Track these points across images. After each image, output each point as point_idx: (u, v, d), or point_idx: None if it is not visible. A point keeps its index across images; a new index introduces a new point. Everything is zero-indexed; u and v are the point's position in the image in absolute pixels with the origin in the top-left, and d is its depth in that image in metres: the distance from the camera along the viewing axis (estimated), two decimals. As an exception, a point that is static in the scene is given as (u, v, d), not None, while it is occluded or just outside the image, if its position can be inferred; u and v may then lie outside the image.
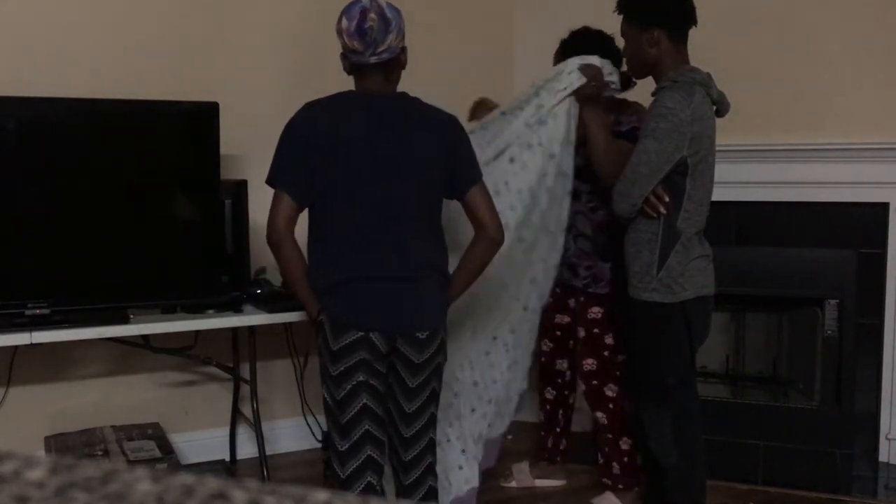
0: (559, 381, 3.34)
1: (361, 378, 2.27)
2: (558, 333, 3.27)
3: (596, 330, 3.11)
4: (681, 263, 2.58)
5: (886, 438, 3.55)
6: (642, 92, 2.86)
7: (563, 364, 3.31)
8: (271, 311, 3.16)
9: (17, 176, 2.85)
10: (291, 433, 3.75)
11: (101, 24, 3.27)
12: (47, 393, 3.28)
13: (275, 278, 3.28)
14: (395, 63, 2.31)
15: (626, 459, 3.10)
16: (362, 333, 2.24)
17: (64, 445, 3.01)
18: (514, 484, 3.36)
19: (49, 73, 3.13)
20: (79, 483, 0.39)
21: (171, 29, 3.40)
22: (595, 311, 3.10)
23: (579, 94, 2.77)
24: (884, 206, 3.50)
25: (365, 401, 2.29)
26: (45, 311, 2.82)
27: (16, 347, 2.92)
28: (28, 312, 2.81)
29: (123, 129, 3.03)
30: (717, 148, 2.70)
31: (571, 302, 3.20)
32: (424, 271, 2.30)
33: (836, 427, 3.53)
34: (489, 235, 2.35)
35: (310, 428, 3.77)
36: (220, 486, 0.39)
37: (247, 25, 3.58)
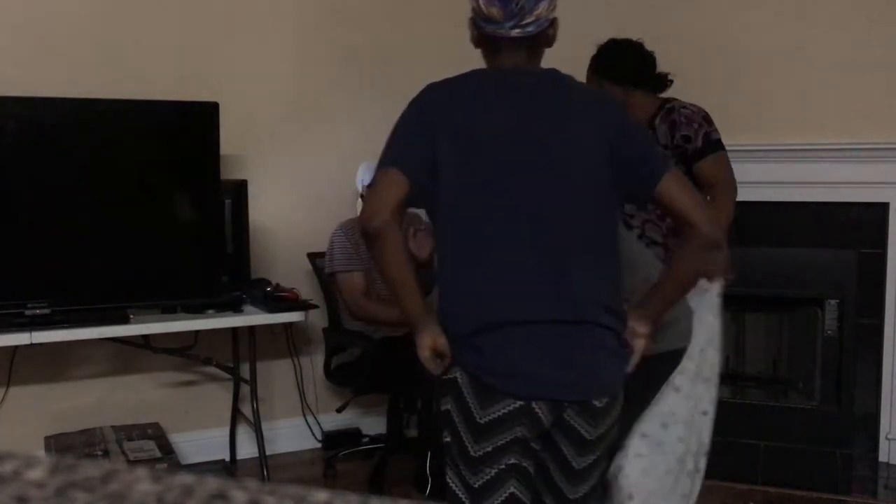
0: None
1: (513, 461, 1.68)
2: None
3: None
4: None
5: (886, 438, 3.55)
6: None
7: None
8: (271, 311, 3.16)
9: (16, 176, 2.85)
10: (291, 433, 3.75)
11: (101, 25, 3.27)
12: (47, 393, 3.28)
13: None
14: (542, 39, 1.78)
15: None
16: (522, 403, 1.64)
17: (64, 445, 3.01)
18: None
19: (49, 73, 3.13)
20: (79, 483, 0.39)
21: (171, 29, 3.40)
22: None
23: None
24: (884, 206, 3.50)
25: (513, 490, 1.69)
26: (45, 311, 2.82)
27: (16, 347, 2.92)
28: (28, 312, 2.81)
29: (123, 128, 3.03)
30: None
31: None
32: (596, 313, 1.69)
33: (836, 427, 3.53)
34: (701, 233, 1.72)
35: (310, 428, 3.77)
36: (220, 486, 0.39)
37: (247, 25, 3.58)
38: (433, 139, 1.69)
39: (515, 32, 1.74)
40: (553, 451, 1.74)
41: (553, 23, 1.78)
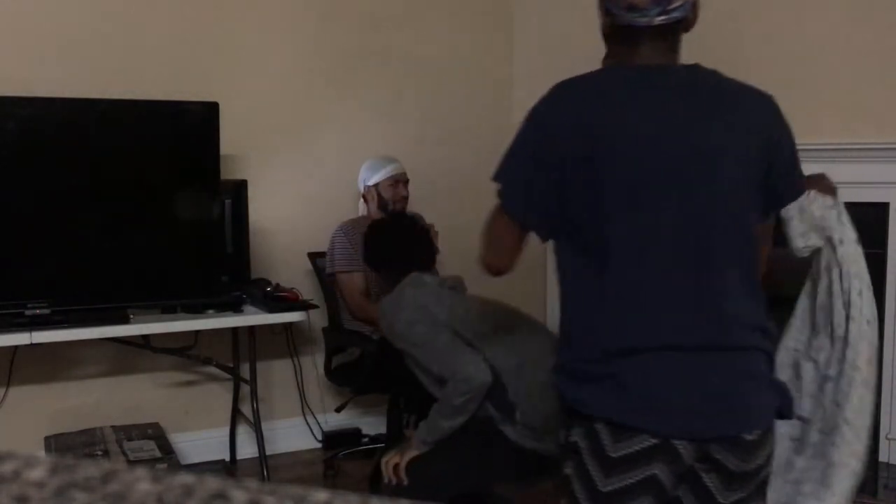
0: None
1: None
2: None
3: None
4: None
5: (886, 438, 3.55)
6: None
7: None
8: (271, 311, 3.16)
9: (17, 176, 2.85)
10: (291, 433, 3.75)
11: (101, 25, 3.28)
12: (47, 393, 3.28)
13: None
14: (684, 24, 1.56)
15: None
16: (659, 440, 1.45)
17: (64, 445, 3.01)
18: None
19: (49, 73, 3.13)
20: (79, 483, 0.39)
21: (171, 29, 3.41)
22: None
23: None
24: (884, 206, 3.50)
25: None
26: (45, 311, 2.83)
27: (16, 347, 2.93)
28: (28, 312, 2.81)
29: (124, 129, 3.03)
30: None
31: None
32: (747, 336, 1.53)
33: (836, 427, 3.52)
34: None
35: (310, 428, 3.77)
36: (220, 486, 0.39)
37: (247, 25, 3.58)
38: (557, 151, 1.49)
39: (660, 20, 1.51)
40: (694, 484, 1.53)
41: (695, 4, 1.57)
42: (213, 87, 3.30)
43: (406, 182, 3.47)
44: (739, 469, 1.50)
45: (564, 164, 1.49)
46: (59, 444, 3.03)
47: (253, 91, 3.57)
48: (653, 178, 1.50)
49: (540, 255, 4.04)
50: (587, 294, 1.53)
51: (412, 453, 2.39)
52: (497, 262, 1.60)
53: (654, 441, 1.45)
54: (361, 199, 3.51)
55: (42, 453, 2.74)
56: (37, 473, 0.40)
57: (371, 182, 3.43)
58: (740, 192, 1.54)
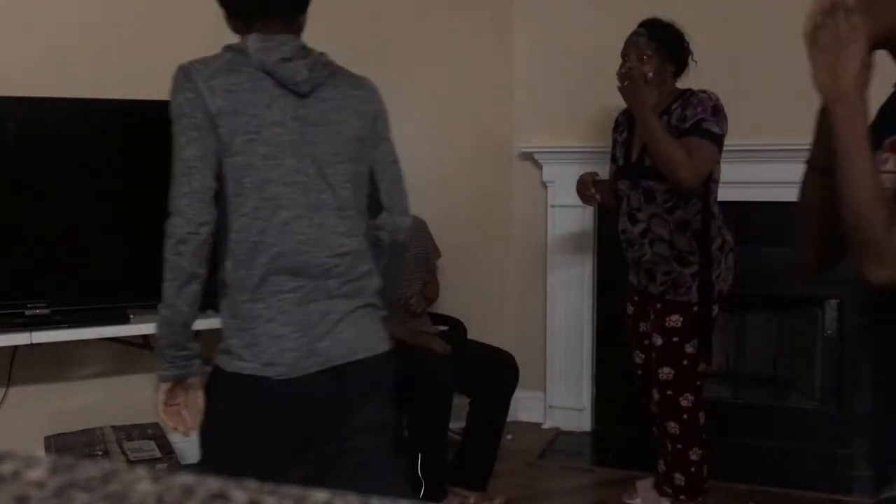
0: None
1: None
2: (647, 343, 3.06)
3: (675, 338, 2.90)
4: None
5: (886, 438, 3.55)
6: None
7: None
8: (271, 311, 3.16)
9: (16, 176, 2.86)
10: (291, 433, 3.75)
11: (100, 24, 3.27)
12: (47, 393, 3.27)
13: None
14: None
15: (693, 470, 2.96)
16: None
17: (64, 445, 3.01)
18: (638, 502, 3.19)
19: (49, 73, 3.13)
20: (79, 483, 0.39)
21: (171, 29, 3.40)
22: (674, 320, 2.89)
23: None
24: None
25: None
26: (45, 311, 2.83)
27: (16, 347, 2.93)
28: (28, 312, 2.81)
29: (123, 128, 3.03)
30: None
31: (650, 310, 2.99)
32: None
33: (836, 427, 3.53)
34: None
35: (310, 428, 3.77)
36: (220, 486, 0.39)
37: (247, 25, 3.58)
38: None
39: None
40: None
41: None
42: (213, 87, 3.29)
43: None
44: None
45: None
46: (59, 444, 3.03)
47: (253, 91, 3.57)
48: None
49: (540, 252, 4.03)
50: None
51: (161, 381, 1.94)
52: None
53: None
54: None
55: (42, 453, 2.74)
56: (37, 473, 0.40)
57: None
58: None
